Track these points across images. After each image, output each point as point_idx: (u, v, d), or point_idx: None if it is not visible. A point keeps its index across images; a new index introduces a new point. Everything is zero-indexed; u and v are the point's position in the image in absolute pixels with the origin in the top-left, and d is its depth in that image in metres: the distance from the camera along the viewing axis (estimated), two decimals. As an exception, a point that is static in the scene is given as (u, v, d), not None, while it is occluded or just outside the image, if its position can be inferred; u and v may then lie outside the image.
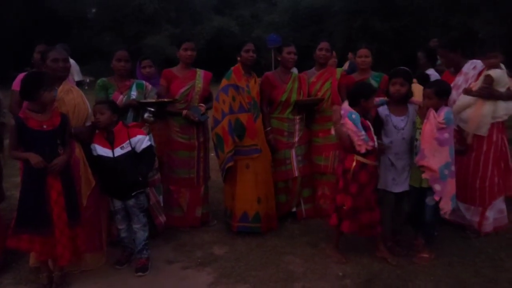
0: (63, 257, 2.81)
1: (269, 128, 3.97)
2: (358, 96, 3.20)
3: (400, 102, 3.34)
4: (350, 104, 3.20)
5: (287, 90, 4.01)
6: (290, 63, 4.09)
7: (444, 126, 3.05)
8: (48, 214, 2.75)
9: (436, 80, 3.52)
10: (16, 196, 4.68)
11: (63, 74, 3.14)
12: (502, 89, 3.58)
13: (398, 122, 3.29)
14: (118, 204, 3.17)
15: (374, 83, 4.21)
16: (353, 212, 3.15)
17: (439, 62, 4.79)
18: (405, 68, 3.51)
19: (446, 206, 3.12)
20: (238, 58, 3.84)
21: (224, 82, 3.78)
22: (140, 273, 3.11)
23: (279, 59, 4.12)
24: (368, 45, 4.40)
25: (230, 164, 3.70)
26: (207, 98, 3.99)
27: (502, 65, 3.65)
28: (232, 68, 3.83)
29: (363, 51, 4.26)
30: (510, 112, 3.67)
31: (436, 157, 3.07)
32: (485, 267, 3.13)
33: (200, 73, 3.99)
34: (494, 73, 3.53)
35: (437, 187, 3.11)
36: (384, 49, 21.80)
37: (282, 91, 4.00)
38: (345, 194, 3.17)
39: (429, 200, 3.21)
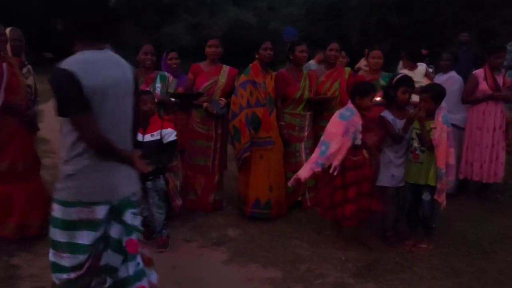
0: None
1: (283, 123, 4.23)
2: (353, 93, 3.48)
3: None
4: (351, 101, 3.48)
5: (300, 87, 4.25)
6: (302, 61, 4.32)
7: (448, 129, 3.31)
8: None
9: (432, 84, 3.76)
10: (44, 176, 5.06)
11: None
12: None
13: (401, 125, 3.49)
14: None
15: (383, 83, 4.45)
16: (334, 204, 3.44)
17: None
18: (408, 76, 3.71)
19: (443, 201, 3.40)
20: (256, 56, 4.09)
21: (242, 78, 4.06)
22: (161, 249, 3.43)
23: (291, 57, 4.32)
24: (384, 41, 4.63)
25: (246, 154, 3.98)
26: (230, 93, 4.20)
27: None
28: (251, 65, 4.10)
29: (376, 53, 4.48)
30: None
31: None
32: (479, 258, 3.37)
33: (226, 69, 4.23)
34: None
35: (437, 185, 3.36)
36: (401, 44, 21.73)
37: (296, 88, 4.24)
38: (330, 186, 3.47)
39: (425, 196, 3.44)
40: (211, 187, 4.24)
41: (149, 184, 3.43)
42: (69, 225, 1.88)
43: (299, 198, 4.44)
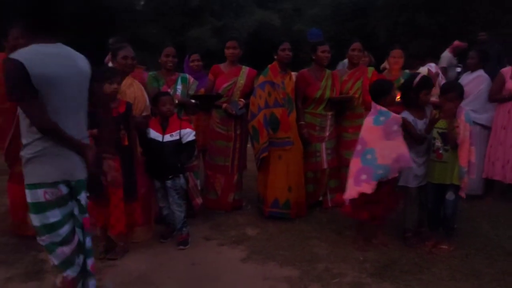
0: (114, 228, 3.26)
1: (302, 123, 4.25)
2: (375, 95, 3.46)
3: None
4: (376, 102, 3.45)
5: (321, 87, 4.26)
6: (324, 61, 4.32)
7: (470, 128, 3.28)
8: (104, 189, 3.20)
9: (454, 83, 3.72)
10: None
11: (130, 70, 3.57)
12: None
13: (421, 126, 3.48)
14: (157, 183, 3.59)
15: (404, 82, 4.43)
16: (363, 203, 3.39)
17: None
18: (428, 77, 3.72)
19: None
20: (275, 57, 4.14)
21: (261, 78, 4.11)
22: (181, 247, 3.52)
23: (313, 57, 4.35)
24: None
25: (264, 154, 4.03)
26: (249, 94, 4.25)
27: None
28: (269, 66, 4.14)
29: (396, 52, 4.45)
30: None
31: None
32: (500, 260, 3.30)
33: (245, 70, 4.30)
34: None
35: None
36: (430, 44, 21.32)
37: (316, 88, 4.26)
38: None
39: (449, 195, 3.42)
40: (231, 187, 4.30)
41: (168, 182, 3.52)
42: (40, 208, 2.07)
43: (320, 198, 4.44)
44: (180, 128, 3.52)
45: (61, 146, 2.09)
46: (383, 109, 3.39)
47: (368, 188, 3.27)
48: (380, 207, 3.45)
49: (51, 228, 2.10)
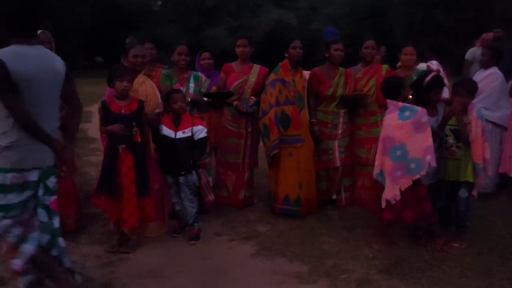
0: (127, 222, 3.34)
1: (314, 120, 4.26)
2: (389, 92, 3.46)
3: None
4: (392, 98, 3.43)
5: (333, 85, 4.27)
6: (337, 59, 4.31)
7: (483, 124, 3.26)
8: (117, 184, 3.30)
9: (466, 79, 3.68)
10: (90, 172, 5.41)
11: (140, 68, 3.67)
12: None
13: (433, 123, 3.43)
14: (170, 179, 3.65)
15: (417, 79, 4.40)
16: (403, 204, 3.31)
17: None
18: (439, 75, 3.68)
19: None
20: (286, 54, 4.16)
21: (272, 76, 4.14)
22: (193, 242, 3.58)
23: (327, 55, 4.35)
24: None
25: (275, 151, 4.05)
26: (260, 92, 4.27)
27: None
28: (280, 64, 4.17)
29: (408, 49, 4.43)
30: None
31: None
32: (513, 258, 3.28)
33: (256, 68, 4.34)
34: None
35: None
36: (447, 43, 21.03)
37: (328, 86, 4.27)
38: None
39: (462, 193, 3.40)
40: (242, 184, 4.34)
41: (181, 179, 3.59)
42: (3, 189, 2.31)
43: (334, 197, 4.45)
44: (192, 125, 3.58)
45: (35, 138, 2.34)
46: (406, 104, 3.38)
47: (405, 182, 3.25)
48: (425, 206, 3.36)
49: (7, 208, 2.33)
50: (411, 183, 3.25)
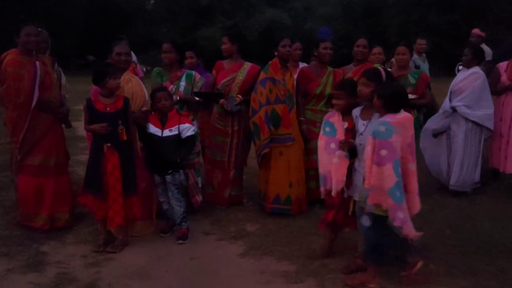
0: (113, 221, 3.31)
1: (302, 119, 4.26)
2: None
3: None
4: None
5: (322, 83, 4.27)
6: (326, 57, 4.31)
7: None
8: (103, 183, 3.28)
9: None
10: (78, 171, 5.36)
11: (125, 66, 3.64)
12: None
13: (360, 126, 2.97)
14: (157, 178, 3.62)
15: (412, 79, 4.41)
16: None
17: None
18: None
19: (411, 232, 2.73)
20: (276, 53, 4.15)
21: (262, 75, 4.12)
22: (180, 241, 3.55)
23: (315, 54, 4.35)
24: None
25: (265, 150, 4.04)
26: (249, 90, 4.22)
27: None
28: (270, 62, 4.15)
29: (401, 49, 4.45)
30: None
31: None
32: (500, 257, 3.27)
33: (246, 66, 4.30)
34: None
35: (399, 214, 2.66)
36: (441, 43, 21.15)
37: (317, 84, 4.27)
38: None
39: (364, 220, 2.88)
40: (227, 182, 4.32)
41: (168, 177, 3.56)
42: None
43: (323, 196, 4.43)
44: (179, 123, 3.55)
45: None
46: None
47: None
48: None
49: None
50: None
